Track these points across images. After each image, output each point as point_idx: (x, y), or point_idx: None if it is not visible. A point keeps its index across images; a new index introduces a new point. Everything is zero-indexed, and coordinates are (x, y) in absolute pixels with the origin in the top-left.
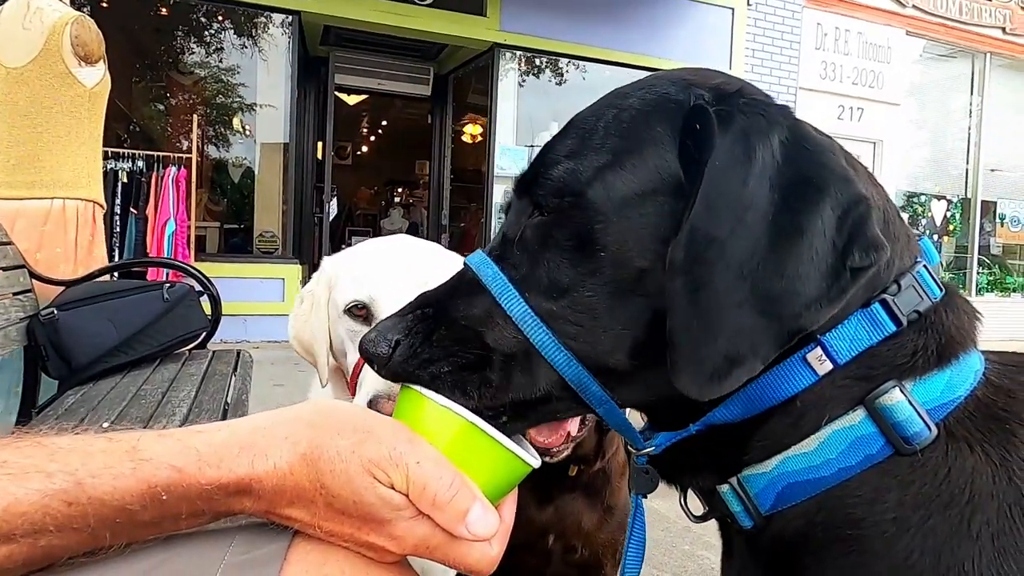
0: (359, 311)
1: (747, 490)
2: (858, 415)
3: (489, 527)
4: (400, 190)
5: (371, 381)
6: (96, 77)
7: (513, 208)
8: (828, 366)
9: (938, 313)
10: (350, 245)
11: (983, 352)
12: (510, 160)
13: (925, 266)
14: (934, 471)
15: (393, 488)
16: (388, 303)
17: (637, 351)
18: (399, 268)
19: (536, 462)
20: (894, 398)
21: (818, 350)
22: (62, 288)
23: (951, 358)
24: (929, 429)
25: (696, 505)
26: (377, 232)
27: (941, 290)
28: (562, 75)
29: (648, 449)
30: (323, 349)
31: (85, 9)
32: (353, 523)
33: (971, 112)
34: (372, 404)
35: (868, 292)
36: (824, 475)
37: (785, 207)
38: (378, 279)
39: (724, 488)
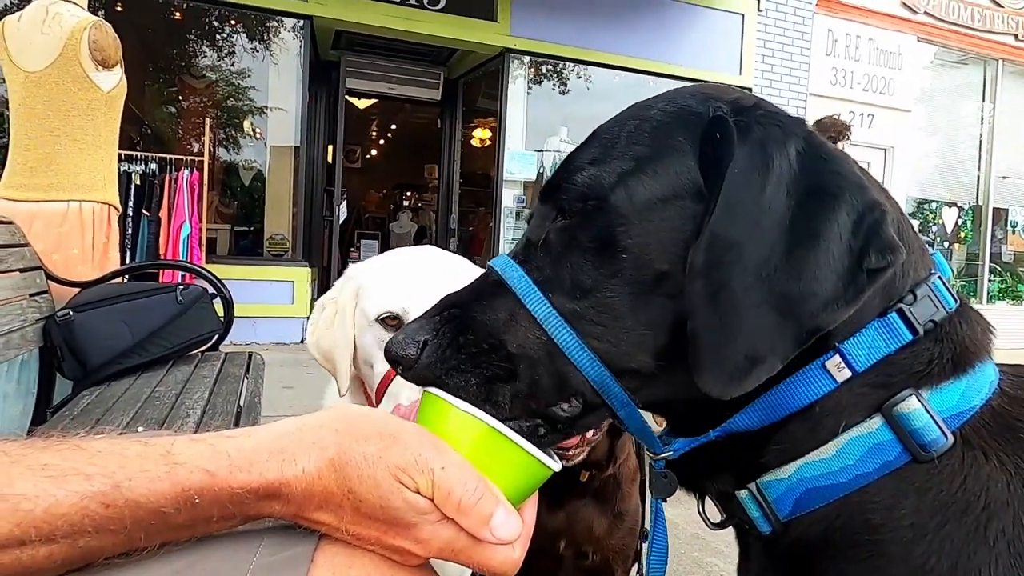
0: (392, 321)
1: (766, 496)
2: (876, 422)
3: (512, 530)
4: (409, 194)
5: (408, 393)
6: (113, 81)
7: (537, 213)
8: (847, 373)
9: (953, 323)
10: (358, 248)
11: (997, 365)
12: (519, 164)
13: (940, 277)
14: (950, 478)
15: (419, 493)
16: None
17: (659, 351)
18: (432, 279)
19: (557, 465)
20: (911, 406)
21: (836, 357)
22: (77, 290)
23: (966, 367)
24: (945, 437)
25: (713, 512)
26: (386, 235)
27: (956, 301)
28: (571, 80)
29: (666, 454)
30: (346, 356)
31: (100, 13)
32: (380, 527)
33: (982, 119)
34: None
35: (885, 301)
36: (842, 481)
37: (802, 212)
38: (412, 290)
39: (743, 494)
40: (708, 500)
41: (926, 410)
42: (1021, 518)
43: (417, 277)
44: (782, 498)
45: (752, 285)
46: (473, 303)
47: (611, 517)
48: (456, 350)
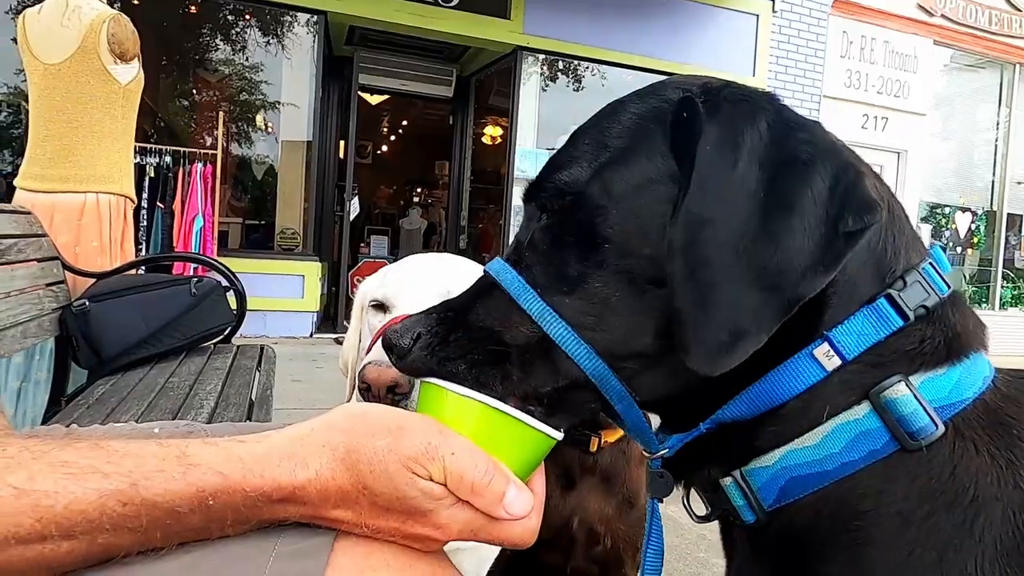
0: (379, 309)
1: (751, 484)
2: (862, 408)
3: (525, 505)
4: (420, 190)
5: (369, 355)
6: (131, 74)
7: (524, 215)
8: (836, 362)
9: (944, 309)
10: (368, 244)
11: (997, 369)
12: (530, 162)
13: (933, 264)
14: (940, 468)
15: (432, 480)
16: (404, 297)
17: (651, 337)
18: (420, 271)
19: (559, 434)
20: (899, 391)
21: (825, 345)
22: (93, 280)
23: (959, 355)
24: (935, 425)
25: (699, 507)
26: (396, 231)
27: (948, 288)
28: (584, 79)
29: (662, 452)
30: (353, 354)
31: (116, 6)
32: (398, 517)
33: (998, 123)
34: (363, 371)
35: (878, 281)
36: (827, 469)
37: (775, 184)
38: (397, 279)
39: (727, 482)
40: (694, 494)
41: (915, 396)
42: (1010, 514)
43: (410, 271)
44: (766, 486)
45: (731, 259)
46: (470, 305)
47: (620, 499)
48: (448, 343)
